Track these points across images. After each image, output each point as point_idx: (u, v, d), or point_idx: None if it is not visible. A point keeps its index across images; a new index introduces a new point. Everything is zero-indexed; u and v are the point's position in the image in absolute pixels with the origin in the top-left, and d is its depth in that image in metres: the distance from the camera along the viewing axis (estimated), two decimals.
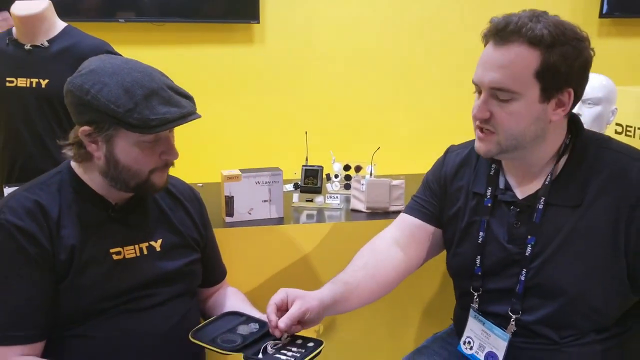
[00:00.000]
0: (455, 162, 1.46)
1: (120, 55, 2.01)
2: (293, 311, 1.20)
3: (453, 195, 1.44)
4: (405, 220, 1.50)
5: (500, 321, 1.34)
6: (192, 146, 3.20)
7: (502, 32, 1.20)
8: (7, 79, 1.97)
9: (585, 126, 2.10)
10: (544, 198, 1.28)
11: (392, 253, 1.45)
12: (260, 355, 1.23)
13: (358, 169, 2.05)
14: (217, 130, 3.21)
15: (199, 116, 1.26)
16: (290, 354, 1.23)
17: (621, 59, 3.53)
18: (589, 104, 2.11)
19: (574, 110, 2.08)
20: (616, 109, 2.16)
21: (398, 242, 1.47)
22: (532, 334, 1.31)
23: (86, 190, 1.28)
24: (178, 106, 1.21)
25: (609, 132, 2.46)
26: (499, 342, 1.34)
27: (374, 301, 1.43)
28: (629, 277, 1.24)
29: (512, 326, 1.32)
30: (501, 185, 1.37)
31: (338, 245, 1.77)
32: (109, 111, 1.16)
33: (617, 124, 2.42)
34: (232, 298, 1.52)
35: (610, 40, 3.55)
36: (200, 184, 2.21)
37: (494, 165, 1.38)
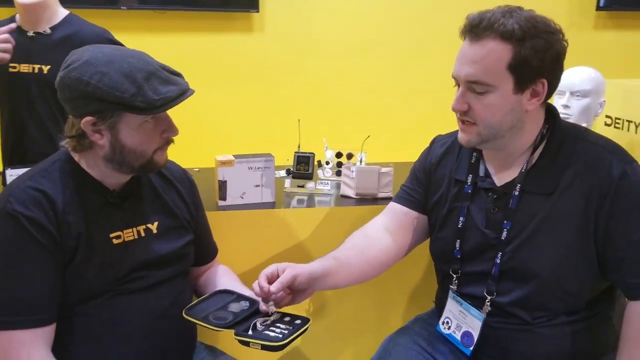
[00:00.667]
0: (440, 151, 1.53)
1: (121, 43, 2.08)
2: (283, 277, 1.28)
3: (437, 182, 1.51)
4: (394, 208, 1.58)
5: (477, 302, 1.41)
6: (191, 132, 3.24)
7: (476, 28, 1.27)
8: (10, 64, 2.02)
9: (574, 118, 2.20)
10: (519, 185, 1.35)
11: (381, 238, 1.53)
12: (250, 332, 1.29)
13: (349, 156, 2.11)
14: (215, 117, 3.27)
15: (193, 91, 1.31)
16: (278, 330, 1.30)
17: (618, 51, 3.57)
18: (578, 96, 2.16)
19: (563, 102, 2.18)
20: (604, 101, 2.21)
21: (388, 228, 1.55)
22: (505, 315, 1.37)
23: (85, 177, 1.32)
24: (176, 84, 1.27)
25: (599, 123, 2.51)
26: (474, 322, 1.40)
27: (363, 280, 1.51)
28: (598, 263, 1.31)
29: (487, 307, 1.38)
30: (481, 172, 1.43)
31: (327, 229, 1.84)
32: (113, 98, 1.20)
33: (606, 116, 2.46)
34: (224, 276, 1.59)
35: (607, 33, 3.57)
36: (197, 169, 2.27)
37: (475, 154, 1.45)
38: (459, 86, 1.33)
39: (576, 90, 2.15)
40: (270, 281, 1.29)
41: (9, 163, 2.08)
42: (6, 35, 1.84)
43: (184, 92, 1.27)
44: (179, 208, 1.46)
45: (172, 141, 1.35)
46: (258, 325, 1.32)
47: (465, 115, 1.32)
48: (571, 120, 2.16)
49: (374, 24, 3.38)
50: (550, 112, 1.38)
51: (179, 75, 1.31)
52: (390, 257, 1.53)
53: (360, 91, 3.41)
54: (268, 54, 3.31)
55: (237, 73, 3.32)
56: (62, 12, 2.11)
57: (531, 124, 1.34)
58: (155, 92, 1.22)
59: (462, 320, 1.44)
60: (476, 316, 1.40)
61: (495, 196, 1.39)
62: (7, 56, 1.83)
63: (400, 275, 1.88)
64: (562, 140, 1.35)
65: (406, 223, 1.55)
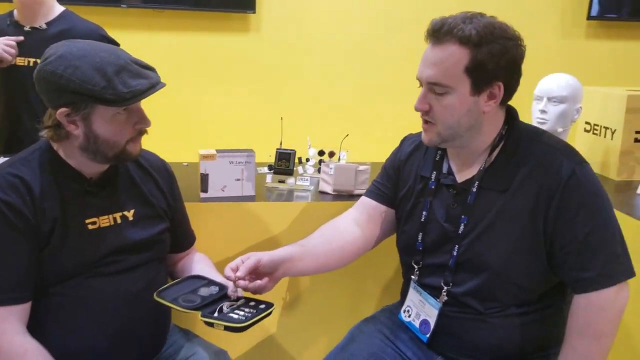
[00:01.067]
0: (409, 149, 1.61)
1: (113, 39, 2.17)
2: (247, 262, 1.37)
3: (404, 178, 1.58)
4: (364, 202, 1.65)
5: (435, 292, 1.48)
6: (183, 128, 3.36)
7: (437, 33, 1.34)
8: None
9: (550, 123, 2.26)
10: (477, 182, 1.42)
11: (350, 229, 1.61)
12: (215, 314, 1.37)
13: (331, 154, 2.18)
14: (208, 114, 3.37)
15: (164, 84, 1.38)
16: (242, 313, 1.38)
17: (608, 60, 3.64)
18: (554, 102, 2.22)
19: (540, 107, 2.24)
20: (581, 107, 2.27)
21: (357, 221, 1.62)
22: (460, 305, 1.44)
23: (64, 166, 1.39)
24: (146, 77, 1.34)
25: (579, 129, 2.57)
26: (432, 310, 1.48)
27: (330, 268, 1.59)
28: (547, 258, 1.37)
29: (443, 296, 1.46)
30: (444, 170, 1.50)
31: (304, 223, 1.90)
32: (85, 91, 1.28)
33: (586, 122, 2.52)
34: (200, 263, 1.66)
35: (598, 42, 3.64)
36: (186, 164, 2.36)
37: (439, 152, 1.52)
38: (421, 86, 1.40)
39: (553, 96, 2.21)
40: (234, 270, 1.37)
41: (4, 152, 2.16)
42: (13, 43, 2.00)
43: (153, 86, 1.35)
44: (155, 197, 1.53)
45: (145, 132, 1.42)
46: (224, 308, 1.40)
47: (426, 115, 1.40)
48: (548, 125, 2.23)
49: (366, 25, 3.47)
50: (510, 114, 1.45)
51: (150, 69, 1.38)
52: (357, 248, 1.60)
53: (350, 91, 3.51)
54: (263, 54, 3.40)
55: (232, 72, 3.41)
56: (59, 9, 2.20)
57: (489, 124, 1.41)
58: (125, 85, 1.30)
59: (421, 309, 1.52)
60: (433, 305, 1.48)
61: (455, 192, 1.47)
62: (9, 59, 1.99)
63: (373, 268, 1.95)
64: (518, 141, 1.42)
65: (375, 216, 1.63)
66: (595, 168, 2.43)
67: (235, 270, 1.37)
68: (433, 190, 1.50)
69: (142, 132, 1.42)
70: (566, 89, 2.22)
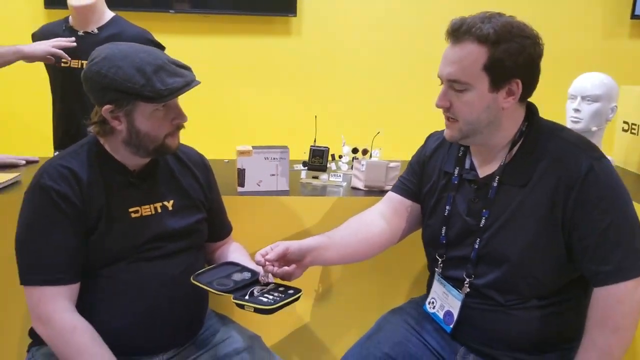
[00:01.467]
0: (434, 145, 1.67)
1: (159, 42, 2.30)
2: (277, 249, 1.48)
3: (429, 174, 1.64)
4: (391, 197, 1.72)
5: (457, 284, 1.53)
6: (226, 127, 3.49)
7: (456, 32, 1.40)
8: (63, 60, 2.28)
9: (584, 122, 2.28)
10: (498, 177, 1.46)
11: (376, 222, 1.68)
12: (246, 297, 1.47)
13: (365, 152, 2.26)
14: (249, 113, 3.49)
15: (199, 82, 1.48)
16: (271, 297, 1.47)
17: None
18: (588, 100, 2.23)
19: (574, 106, 2.25)
20: (616, 106, 2.27)
21: (383, 214, 1.69)
22: (482, 296, 1.49)
23: (109, 159, 1.52)
24: (182, 76, 1.45)
25: (617, 128, 2.56)
26: (455, 302, 1.53)
27: (356, 259, 1.67)
28: (566, 251, 1.40)
29: (466, 288, 1.51)
30: (467, 165, 1.55)
31: (335, 217, 1.96)
32: (126, 89, 1.39)
33: (624, 122, 2.51)
34: (235, 252, 1.76)
35: None
36: (226, 160, 2.47)
37: (462, 148, 1.57)
38: (442, 83, 1.46)
39: (587, 94, 2.22)
40: (264, 256, 1.47)
41: (59, 146, 2.33)
42: (63, 44, 2.15)
43: (188, 84, 1.45)
44: (193, 189, 1.64)
45: (182, 127, 1.52)
46: (255, 292, 1.49)
47: (447, 111, 1.46)
48: (582, 124, 2.24)
49: (400, 26, 3.55)
50: (530, 110, 1.49)
51: (186, 68, 1.49)
52: (383, 241, 1.67)
53: (383, 90, 3.58)
54: (302, 56, 3.51)
55: (272, 73, 3.53)
56: (109, 14, 2.35)
57: (509, 121, 1.46)
58: (162, 84, 1.41)
59: (444, 301, 1.57)
60: (456, 296, 1.53)
61: (476, 187, 1.51)
62: (52, 59, 2.14)
63: (402, 262, 2.00)
64: (537, 137, 1.46)
65: (400, 210, 1.69)
66: (633, 167, 2.44)
67: (265, 255, 1.46)
68: (456, 185, 1.56)
69: (179, 126, 1.52)
70: (600, 87, 2.22)
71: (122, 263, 1.50)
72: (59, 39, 2.21)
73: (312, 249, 1.53)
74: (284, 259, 1.49)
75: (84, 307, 1.46)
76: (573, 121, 2.26)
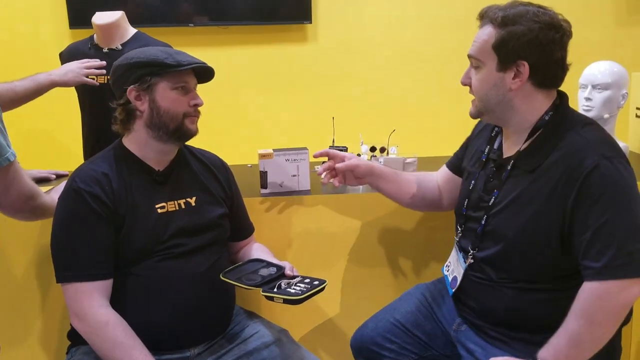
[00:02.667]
0: (480, 127, 1.78)
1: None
2: (350, 161, 1.78)
3: (471, 150, 1.75)
4: (443, 169, 1.89)
5: (465, 255, 1.63)
6: (248, 133, 3.59)
7: (480, 16, 1.54)
8: (90, 77, 2.39)
9: (596, 110, 2.32)
10: (512, 161, 1.54)
11: (434, 183, 1.87)
12: (275, 290, 1.55)
13: (382, 150, 2.32)
14: (269, 118, 3.59)
15: (212, 68, 1.66)
16: (298, 288, 1.55)
17: None
18: (599, 89, 2.27)
19: (585, 95, 2.29)
20: (627, 93, 2.30)
21: (438, 180, 1.87)
22: (480, 270, 1.58)
23: (135, 160, 1.63)
24: (197, 59, 1.63)
25: (630, 115, 2.59)
26: (460, 270, 1.64)
27: (406, 203, 1.87)
28: (562, 243, 1.44)
29: (469, 259, 1.60)
30: (496, 145, 1.64)
31: (356, 213, 2.06)
32: (151, 61, 1.56)
33: (637, 108, 2.54)
34: (259, 251, 1.84)
35: None
36: (250, 165, 2.56)
37: (496, 129, 1.67)
38: None
39: (597, 83, 2.26)
40: (334, 157, 1.80)
41: (90, 156, 2.43)
42: (96, 64, 2.29)
43: (203, 63, 1.62)
44: (214, 187, 1.74)
45: (199, 112, 1.66)
46: (282, 285, 1.58)
47: (470, 90, 1.57)
48: (593, 112, 2.27)
49: (415, 28, 3.62)
50: (561, 100, 1.54)
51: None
52: (434, 201, 1.87)
53: (399, 90, 3.65)
54: (319, 60, 3.60)
55: (290, 78, 3.62)
56: (132, 31, 2.46)
57: (525, 105, 1.51)
58: (182, 58, 1.59)
59: (455, 267, 1.68)
60: (462, 265, 1.63)
61: (495, 167, 1.60)
62: (83, 80, 2.27)
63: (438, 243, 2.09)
64: (557, 128, 1.50)
65: (448, 181, 1.85)
66: None
67: (334, 157, 1.79)
68: (482, 162, 1.65)
69: (196, 109, 1.65)
70: (610, 75, 2.26)
71: (150, 260, 1.58)
72: (86, 60, 2.32)
73: (378, 175, 1.80)
74: (347, 170, 1.78)
75: (116, 304, 1.55)
76: (585, 110, 2.29)
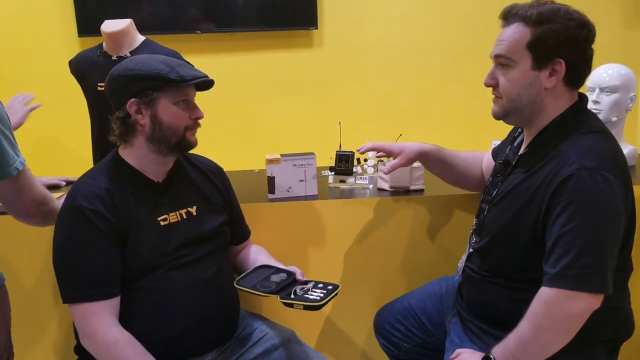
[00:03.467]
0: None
1: (189, 62, 2.42)
2: (396, 161, 1.87)
3: (503, 144, 1.78)
4: (488, 154, 1.90)
5: (470, 245, 1.68)
6: (254, 139, 3.61)
7: (506, 15, 1.52)
8: (99, 84, 2.41)
9: (604, 113, 2.32)
10: (515, 160, 1.57)
11: (479, 162, 1.93)
12: (292, 296, 1.57)
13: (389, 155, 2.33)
14: (276, 124, 3.61)
15: (213, 81, 1.62)
16: (315, 294, 1.58)
17: None
18: (607, 92, 2.26)
19: (593, 98, 2.29)
20: (634, 95, 2.29)
21: (483, 162, 1.93)
22: (473, 261, 1.63)
23: (133, 172, 1.60)
24: (199, 71, 1.60)
25: (637, 117, 2.58)
26: (463, 258, 1.69)
27: (450, 182, 1.97)
28: (534, 242, 1.45)
29: (470, 248, 1.66)
30: (516, 143, 1.66)
31: (363, 218, 2.06)
32: (153, 75, 1.51)
33: None
34: (260, 255, 1.85)
35: None
36: (257, 170, 2.57)
37: (519, 129, 1.68)
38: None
39: (605, 86, 2.26)
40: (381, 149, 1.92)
41: None
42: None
43: (206, 76, 1.59)
44: (213, 194, 1.73)
45: (198, 124, 1.63)
46: (297, 291, 1.60)
47: (495, 90, 1.55)
48: (602, 115, 2.26)
49: (420, 31, 3.62)
50: (581, 101, 1.54)
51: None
52: (475, 181, 1.92)
53: (405, 94, 3.67)
54: (324, 65, 3.61)
55: (296, 84, 3.63)
56: (140, 38, 2.48)
57: (552, 105, 1.50)
58: (185, 72, 1.55)
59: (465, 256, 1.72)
60: (467, 252, 1.69)
61: (503, 164, 1.63)
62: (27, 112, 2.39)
63: (440, 254, 2.10)
64: (558, 132, 1.49)
65: (487, 167, 1.87)
66: None
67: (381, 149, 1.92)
68: (502, 159, 1.67)
69: (196, 122, 1.62)
70: (618, 78, 2.25)
71: (157, 272, 1.57)
72: (19, 95, 2.42)
73: (428, 153, 1.88)
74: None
75: (126, 319, 1.53)
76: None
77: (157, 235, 1.58)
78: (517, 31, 1.48)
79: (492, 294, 1.56)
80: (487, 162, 1.89)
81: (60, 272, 1.52)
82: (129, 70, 1.53)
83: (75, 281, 1.50)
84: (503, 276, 1.54)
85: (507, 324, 1.46)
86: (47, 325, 2.07)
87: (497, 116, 1.57)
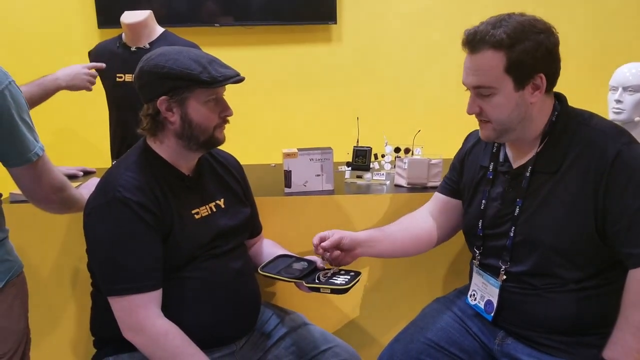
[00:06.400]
0: (471, 142, 1.75)
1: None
2: (332, 238, 1.64)
3: (468, 169, 1.71)
4: (437, 197, 1.81)
5: (494, 272, 1.59)
6: (275, 133, 3.60)
7: (472, 42, 1.46)
8: (117, 75, 2.42)
9: (627, 112, 2.29)
10: (530, 167, 1.52)
11: (425, 220, 1.78)
12: (317, 281, 1.61)
13: (407, 150, 2.31)
14: (294, 118, 3.60)
15: (244, 78, 1.59)
16: (340, 279, 1.62)
17: None
18: (630, 91, 2.23)
19: (616, 97, 2.25)
20: None
21: (431, 213, 1.79)
22: (518, 281, 1.54)
23: (165, 164, 1.59)
24: (231, 69, 1.57)
25: None
26: (493, 290, 1.58)
27: (406, 254, 1.80)
28: (599, 236, 1.43)
29: (502, 275, 1.55)
30: (501, 158, 1.61)
31: (379, 214, 2.04)
32: (185, 75, 1.49)
33: None
34: (276, 247, 1.89)
35: None
36: (274, 164, 2.57)
37: (496, 144, 1.63)
38: (470, 91, 1.52)
39: (629, 85, 2.23)
40: (322, 239, 1.63)
41: (117, 156, 2.47)
42: (94, 72, 2.33)
43: (238, 74, 1.57)
44: (236, 187, 1.75)
45: (227, 121, 1.63)
46: (321, 277, 1.63)
47: (480, 115, 1.52)
48: (624, 115, 2.24)
49: (438, 27, 3.60)
50: (559, 100, 1.54)
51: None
52: (432, 237, 1.76)
53: (426, 90, 3.63)
54: (343, 61, 3.60)
55: (315, 79, 3.62)
56: (159, 30, 2.49)
57: (539, 113, 1.50)
58: (217, 71, 1.52)
59: (484, 291, 1.62)
60: (494, 284, 1.58)
61: (510, 178, 1.57)
62: (90, 88, 2.32)
63: (446, 254, 2.07)
64: (567, 125, 1.50)
65: (446, 209, 1.77)
66: None
67: (321, 239, 1.63)
68: (491, 179, 1.62)
69: (225, 120, 1.62)
70: None
71: (194, 262, 1.58)
72: (91, 65, 2.38)
73: (363, 241, 1.65)
74: (337, 246, 1.62)
75: (170, 308, 1.53)
76: (615, 112, 2.26)
77: (194, 228, 1.59)
78: (490, 58, 1.43)
79: (563, 303, 1.49)
80: (440, 206, 1.79)
81: (104, 266, 1.51)
82: (160, 67, 1.50)
83: (122, 274, 1.48)
84: (572, 281, 1.48)
85: (587, 326, 1.48)
86: (63, 313, 2.08)
87: (490, 139, 1.56)
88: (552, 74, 1.46)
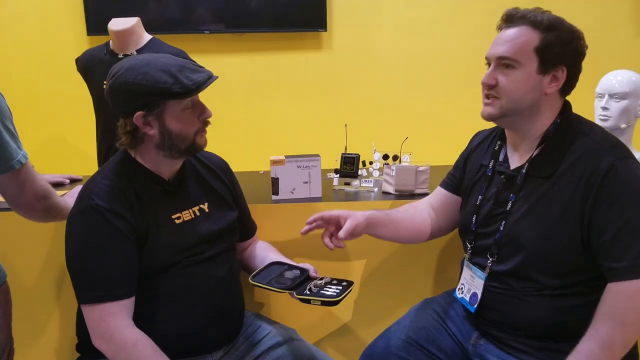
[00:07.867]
0: (477, 141, 1.77)
1: (194, 61, 2.41)
2: (347, 226, 1.61)
3: (470, 167, 1.74)
4: (438, 191, 1.85)
5: (482, 267, 1.61)
6: (264, 140, 3.60)
7: (511, 17, 1.51)
8: (104, 82, 2.40)
9: (613, 120, 2.29)
10: (525, 169, 1.53)
11: (426, 210, 1.82)
12: (307, 292, 1.58)
13: (395, 157, 2.31)
14: (282, 125, 3.61)
15: (217, 77, 1.55)
16: (331, 290, 1.60)
17: None
18: (616, 98, 2.24)
19: (602, 104, 2.26)
20: None
21: (432, 205, 1.83)
22: (500, 281, 1.56)
23: (145, 171, 1.57)
24: (203, 72, 1.54)
25: None
26: (479, 282, 1.60)
27: (406, 241, 1.83)
28: (584, 247, 1.44)
29: (488, 268, 1.57)
30: (501, 158, 1.63)
31: None
32: (157, 90, 1.45)
33: None
34: (269, 251, 1.86)
35: None
36: (262, 172, 2.56)
37: (499, 142, 1.65)
38: (489, 65, 1.55)
39: (615, 92, 2.23)
40: (329, 221, 1.67)
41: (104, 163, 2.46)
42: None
43: (210, 76, 1.54)
44: (222, 190, 1.73)
45: (208, 123, 1.60)
46: (312, 287, 1.61)
47: (491, 89, 1.53)
48: (610, 122, 2.25)
49: (428, 36, 3.61)
50: (565, 107, 1.56)
51: (202, 66, 1.58)
52: (433, 229, 1.80)
53: (415, 98, 3.65)
54: (333, 68, 3.60)
55: (304, 86, 3.63)
56: (147, 37, 2.48)
57: (547, 110, 1.53)
58: (188, 79, 1.48)
59: (471, 284, 1.65)
60: (480, 277, 1.60)
61: (505, 179, 1.58)
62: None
63: (436, 257, 2.07)
64: (567, 133, 1.51)
65: (446, 203, 1.80)
66: None
67: (329, 221, 1.67)
68: (489, 177, 1.64)
69: (206, 123, 1.59)
70: (628, 84, 2.23)
71: (174, 269, 1.56)
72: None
73: (374, 225, 1.69)
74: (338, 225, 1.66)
75: (143, 315, 1.51)
76: (601, 119, 2.27)
77: (172, 235, 1.57)
78: (524, 34, 1.48)
79: (539, 308, 1.49)
80: (441, 200, 1.82)
81: (76, 273, 1.50)
82: (130, 84, 1.46)
83: (93, 282, 1.47)
84: (550, 287, 1.48)
85: (559, 333, 1.48)
86: (48, 322, 2.06)
87: (493, 117, 1.55)
88: (573, 74, 1.50)
